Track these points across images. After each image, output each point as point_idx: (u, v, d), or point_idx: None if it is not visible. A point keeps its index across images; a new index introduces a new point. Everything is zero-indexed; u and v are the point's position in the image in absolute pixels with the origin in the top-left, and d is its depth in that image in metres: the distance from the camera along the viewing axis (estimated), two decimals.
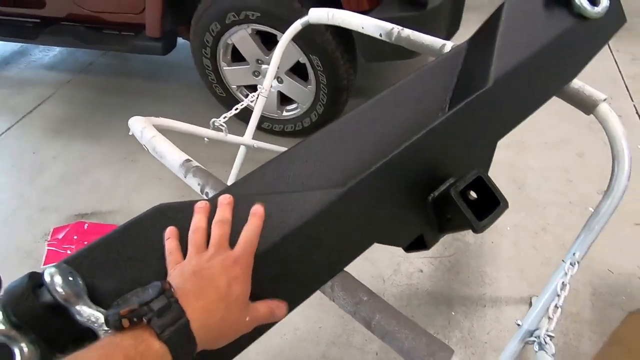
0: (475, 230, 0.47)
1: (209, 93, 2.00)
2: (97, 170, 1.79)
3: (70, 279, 0.33)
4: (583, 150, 1.60)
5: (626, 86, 1.90)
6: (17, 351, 0.30)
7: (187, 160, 0.63)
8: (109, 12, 1.63)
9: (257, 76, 1.60)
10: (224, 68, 1.59)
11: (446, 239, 1.41)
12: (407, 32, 0.85)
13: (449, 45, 0.80)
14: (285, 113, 1.69)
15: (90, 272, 0.36)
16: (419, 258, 1.33)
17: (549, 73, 0.62)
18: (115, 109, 2.11)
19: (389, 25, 0.88)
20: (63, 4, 1.67)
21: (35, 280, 0.33)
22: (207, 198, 0.62)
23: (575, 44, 0.64)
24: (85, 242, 1.47)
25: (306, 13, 1.26)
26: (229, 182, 1.30)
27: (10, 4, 1.77)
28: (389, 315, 0.42)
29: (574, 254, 0.67)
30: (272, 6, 1.28)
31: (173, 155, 0.64)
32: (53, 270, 0.33)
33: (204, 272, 0.36)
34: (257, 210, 0.42)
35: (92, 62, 2.51)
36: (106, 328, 0.33)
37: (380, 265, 1.32)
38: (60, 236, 1.53)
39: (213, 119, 1.08)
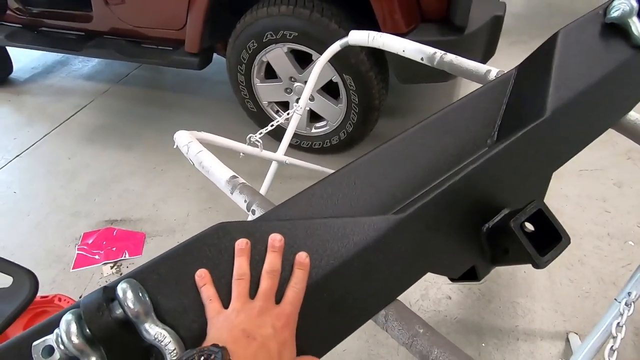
0: (537, 266, 0.46)
1: (237, 107, 2.04)
2: (128, 179, 1.84)
3: (140, 295, 0.33)
4: (621, 180, 1.55)
5: None
6: None
7: (234, 177, 0.64)
8: (150, 27, 1.70)
9: (289, 93, 1.63)
10: (257, 84, 1.63)
11: None
12: (450, 56, 0.86)
13: (494, 71, 0.79)
14: (314, 130, 1.71)
15: (155, 289, 0.36)
16: (447, 284, 1.30)
17: (606, 105, 0.61)
18: (148, 120, 2.18)
19: (431, 50, 0.89)
20: (108, 19, 1.76)
21: (108, 294, 0.33)
22: (253, 217, 0.62)
23: (633, 76, 0.63)
24: (114, 248, 1.50)
25: (342, 34, 1.29)
26: (264, 187, 1.31)
27: (60, 18, 1.88)
28: (448, 350, 0.40)
29: (628, 293, 0.63)
30: (310, 27, 1.31)
31: (219, 171, 0.65)
32: (125, 285, 0.33)
33: (255, 334, 0.34)
34: (303, 261, 0.40)
35: (129, 73, 2.61)
36: (172, 348, 0.33)
37: (408, 290, 1.29)
38: (90, 241, 1.57)
39: (250, 135, 1.10)
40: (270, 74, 1.65)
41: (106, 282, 1.41)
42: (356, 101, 1.45)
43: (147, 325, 0.33)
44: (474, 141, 0.62)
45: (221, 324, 0.35)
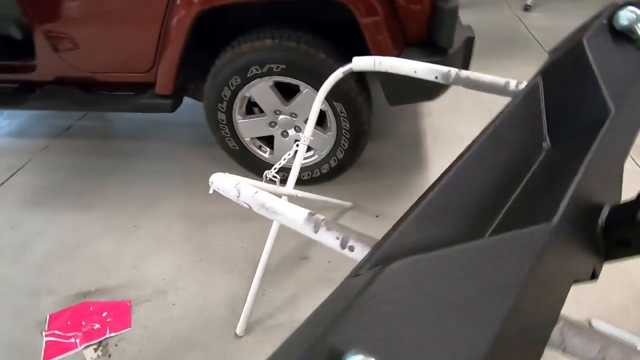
0: None
1: (207, 148, 1.96)
2: (94, 242, 1.60)
3: None
4: None
5: None
6: None
7: (311, 214, 0.58)
8: (111, 72, 1.56)
9: (273, 127, 1.59)
10: (239, 121, 1.56)
11: None
12: (466, 73, 0.90)
13: (512, 82, 0.85)
14: (302, 161, 1.67)
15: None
16: None
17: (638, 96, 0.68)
18: (106, 173, 1.95)
19: (445, 68, 0.93)
20: (57, 67, 1.58)
21: None
22: (352, 254, 0.56)
23: None
24: (95, 326, 1.28)
25: (331, 63, 1.31)
26: (270, 236, 1.22)
27: None
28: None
29: None
30: (298, 58, 1.31)
31: (292, 211, 0.58)
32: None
33: None
34: None
35: (70, 125, 2.35)
36: None
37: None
38: (60, 323, 1.31)
39: (266, 172, 1.03)
40: (249, 109, 1.60)
41: None
42: (347, 127, 1.46)
43: None
44: (531, 147, 0.64)
45: None
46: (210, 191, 0.72)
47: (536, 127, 0.68)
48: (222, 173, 0.74)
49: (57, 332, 1.28)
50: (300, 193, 1.19)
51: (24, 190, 1.90)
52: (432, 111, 2.20)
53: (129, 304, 1.36)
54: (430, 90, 1.34)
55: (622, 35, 0.73)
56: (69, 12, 1.41)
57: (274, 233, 1.21)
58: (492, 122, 0.62)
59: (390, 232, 0.48)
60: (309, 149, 1.64)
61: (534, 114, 0.70)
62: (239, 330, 1.23)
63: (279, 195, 1.18)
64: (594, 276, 0.53)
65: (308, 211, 0.59)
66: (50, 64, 1.57)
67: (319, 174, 1.66)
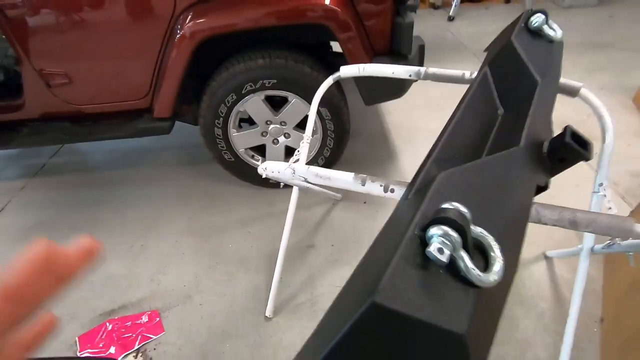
0: (587, 159, 0.75)
1: (195, 167, 2.09)
2: (105, 266, 1.65)
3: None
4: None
5: None
6: None
7: (356, 174, 0.79)
8: (105, 103, 1.66)
9: (264, 136, 1.77)
10: (234, 134, 1.73)
11: None
12: (432, 69, 1.18)
13: (467, 72, 1.15)
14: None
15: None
16: None
17: (553, 72, 0.99)
18: (97, 204, 1.99)
19: (415, 68, 1.20)
20: (48, 103, 1.64)
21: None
22: (392, 194, 0.78)
23: (554, 56, 1.04)
24: (131, 336, 1.35)
25: (315, 75, 1.55)
26: (287, 224, 1.40)
27: None
28: (582, 212, 0.65)
29: (600, 184, 1.00)
30: (287, 73, 1.53)
31: (341, 175, 0.79)
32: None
33: None
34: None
35: (44, 163, 2.33)
36: (494, 243, 0.49)
37: None
38: (91, 342, 1.36)
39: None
40: (241, 122, 1.78)
41: None
42: (332, 128, 1.70)
43: (472, 225, 0.49)
44: (491, 114, 0.92)
45: None
46: (264, 176, 0.90)
47: (492, 100, 0.97)
48: (270, 161, 0.92)
49: (91, 350, 1.33)
50: (310, 185, 1.38)
51: (11, 230, 1.87)
52: (391, 110, 2.52)
53: (157, 312, 1.44)
54: (398, 89, 1.63)
55: (536, 34, 1.05)
56: (65, 48, 1.50)
57: (289, 222, 1.38)
58: (463, 98, 0.89)
59: (419, 171, 0.72)
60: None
61: (488, 92, 0.99)
62: (268, 312, 1.38)
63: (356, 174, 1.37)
64: (546, 187, 0.81)
65: (352, 173, 0.80)
66: (41, 100, 1.63)
67: None
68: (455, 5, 3.84)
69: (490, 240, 0.48)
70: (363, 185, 0.77)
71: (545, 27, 1.04)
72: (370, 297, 0.38)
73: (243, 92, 1.56)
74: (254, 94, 1.58)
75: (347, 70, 1.30)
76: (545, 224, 0.66)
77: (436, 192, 0.55)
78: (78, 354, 1.32)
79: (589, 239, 1.04)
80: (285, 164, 0.87)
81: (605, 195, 0.96)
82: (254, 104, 1.63)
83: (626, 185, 1.78)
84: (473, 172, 0.61)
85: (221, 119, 1.64)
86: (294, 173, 0.84)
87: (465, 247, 0.45)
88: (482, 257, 0.48)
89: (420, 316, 0.38)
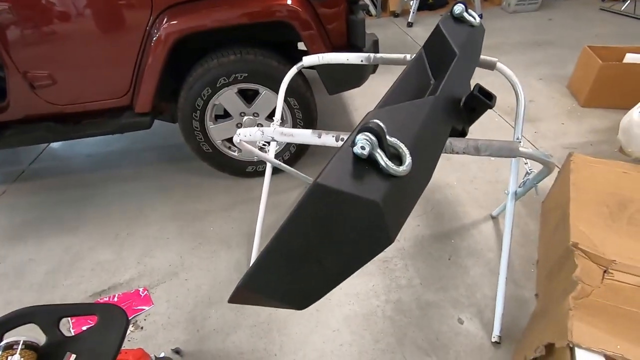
0: (491, 107, 0.96)
1: (174, 164, 2.23)
2: (93, 254, 1.75)
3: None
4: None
5: None
6: None
7: (314, 130, 0.97)
8: (88, 102, 1.78)
9: (239, 127, 1.93)
10: (211, 127, 1.88)
11: (421, 201, 1.89)
12: (380, 55, 1.39)
13: (408, 55, 1.36)
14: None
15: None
16: (413, 219, 1.77)
17: (472, 49, 1.22)
18: (82, 201, 2.07)
19: (365, 54, 1.41)
20: (33, 104, 1.74)
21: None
22: (343, 142, 0.96)
23: (475, 37, 1.27)
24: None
25: (282, 68, 1.74)
26: (263, 200, 1.55)
27: None
28: (483, 140, 0.85)
29: (517, 138, 1.22)
30: (257, 67, 1.71)
31: (302, 132, 0.97)
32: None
33: None
34: None
35: (23, 170, 2.39)
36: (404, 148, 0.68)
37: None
38: (83, 320, 1.45)
39: (257, 142, 1.38)
40: (217, 115, 1.93)
41: (128, 340, 1.36)
42: (300, 117, 1.88)
43: (387, 136, 0.67)
44: (424, 83, 1.13)
45: None
46: (238, 140, 1.06)
47: (425, 72, 1.18)
48: (242, 128, 1.08)
49: (83, 328, 1.42)
50: (279, 163, 1.55)
51: None
52: (357, 107, 2.74)
53: (145, 289, 1.55)
54: (358, 78, 1.84)
55: (459, 20, 1.28)
56: (48, 50, 1.62)
57: (264, 198, 1.54)
58: (401, 73, 1.09)
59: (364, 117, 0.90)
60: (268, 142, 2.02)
61: (422, 67, 1.20)
62: None
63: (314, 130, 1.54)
64: (464, 133, 1.01)
65: (311, 130, 0.98)
66: (25, 101, 1.73)
67: (282, 160, 2.03)
68: (413, 12, 4.17)
69: (402, 146, 0.66)
70: (319, 137, 0.95)
71: (466, 15, 1.27)
72: (315, 180, 0.57)
73: (217, 85, 1.73)
74: (227, 87, 1.75)
75: (309, 60, 1.49)
76: (457, 153, 0.86)
77: (366, 119, 0.74)
78: (71, 330, 1.41)
79: (512, 184, 1.26)
80: (255, 127, 1.03)
81: (520, 142, 1.18)
82: (228, 97, 1.80)
83: (559, 156, 2.05)
84: (396, 110, 0.80)
85: (198, 112, 1.80)
86: (262, 134, 1.01)
87: (382, 148, 0.63)
88: (398, 160, 0.67)
89: (348, 190, 0.57)
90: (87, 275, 1.64)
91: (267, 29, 1.73)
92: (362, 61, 1.42)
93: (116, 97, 1.78)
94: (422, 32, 4.00)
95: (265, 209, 1.57)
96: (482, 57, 1.27)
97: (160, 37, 1.58)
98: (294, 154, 2.02)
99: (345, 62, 1.45)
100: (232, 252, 1.69)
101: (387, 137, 0.60)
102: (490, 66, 1.27)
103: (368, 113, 0.79)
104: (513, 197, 1.23)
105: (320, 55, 1.47)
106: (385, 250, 0.58)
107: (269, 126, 1.80)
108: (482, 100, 0.96)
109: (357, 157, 0.57)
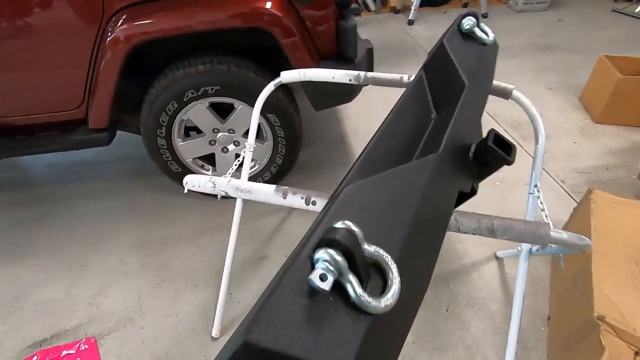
0: (509, 163, 0.74)
1: (144, 179, 2.00)
2: (40, 290, 1.52)
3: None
4: None
5: None
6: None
7: (278, 186, 0.74)
8: (35, 114, 1.54)
9: (213, 145, 1.70)
10: (179, 144, 1.65)
11: None
12: (371, 74, 1.16)
13: (405, 76, 1.13)
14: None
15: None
16: None
17: (484, 75, 0.99)
18: (39, 222, 1.84)
19: (355, 72, 1.18)
20: None
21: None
22: (314, 207, 0.73)
23: (487, 59, 1.04)
24: None
25: (260, 81, 1.50)
26: (232, 236, 1.33)
27: None
28: (500, 219, 0.63)
29: (535, 185, 1.00)
30: (230, 79, 1.47)
31: (263, 187, 0.74)
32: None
33: None
34: None
35: None
36: (389, 257, 0.45)
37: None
38: None
39: (223, 176, 1.15)
40: (185, 132, 1.70)
41: None
42: (282, 134, 1.65)
43: (365, 245, 0.45)
44: (423, 118, 0.90)
45: None
46: (185, 191, 0.84)
47: (426, 103, 0.95)
48: (193, 174, 0.86)
49: None
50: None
51: None
52: (350, 115, 2.50)
53: (93, 339, 1.33)
54: (347, 93, 1.61)
55: (468, 36, 1.04)
56: None
57: (234, 234, 1.32)
58: (396, 104, 0.86)
59: (341, 182, 0.68)
60: None
61: (423, 94, 0.97)
62: (214, 332, 1.31)
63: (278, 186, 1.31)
64: (474, 192, 0.79)
65: (275, 185, 0.75)
66: None
67: (262, 181, 1.80)
68: (414, 9, 3.90)
69: (388, 259, 0.44)
70: (284, 198, 0.73)
71: (477, 30, 1.03)
72: (243, 334, 0.34)
73: (185, 99, 1.49)
74: (196, 101, 1.51)
75: (288, 75, 1.26)
76: (465, 232, 0.64)
77: (337, 208, 0.51)
78: None
79: None
80: (206, 177, 0.81)
81: (538, 197, 0.97)
82: (198, 112, 1.56)
83: (572, 182, 1.84)
84: (381, 184, 0.57)
85: (164, 128, 1.56)
86: (214, 187, 0.79)
87: (356, 270, 0.41)
88: (382, 278, 0.44)
89: (296, 353, 0.34)
90: (28, 318, 1.42)
91: (244, 35, 1.48)
92: (350, 80, 1.19)
93: (68, 109, 1.54)
94: (423, 31, 3.74)
95: (237, 241, 1.35)
96: (495, 82, 1.04)
97: (113, 43, 1.33)
98: (275, 174, 1.80)
99: (331, 80, 1.21)
100: (198, 292, 1.47)
101: (365, 246, 0.41)
102: (505, 95, 1.05)
103: (339, 192, 0.57)
104: (527, 257, 1.01)
105: (302, 70, 1.23)
106: None
107: (244, 147, 1.58)
108: (499, 155, 0.74)
109: (313, 289, 0.36)
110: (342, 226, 0.44)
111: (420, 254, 0.54)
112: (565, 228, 1.45)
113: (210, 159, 1.77)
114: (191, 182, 0.82)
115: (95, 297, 1.48)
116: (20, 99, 1.50)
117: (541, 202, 0.95)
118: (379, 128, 0.81)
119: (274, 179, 1.83)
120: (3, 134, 1.59)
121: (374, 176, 0.60)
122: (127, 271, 1.58)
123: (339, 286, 0.38)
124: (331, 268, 0.39)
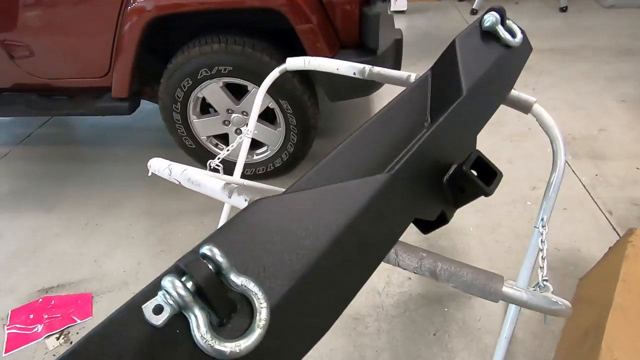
0: (487, 194, 0.62)
1: (167, 151, 2.05)
2: (56, 242, 1.66)
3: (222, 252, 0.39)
4: (510, 157, 1.94)
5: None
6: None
7: (227, 184, 0.70)
8: (67, 78, 1.63)
9: (227, 125, 1.70)
10: (194, 121, 1.67)
11: (423, 245, 1.56)
12: (377, 69, 1.05)
13: (412, 75, 1.01)
14: (255, 157, 1.79)
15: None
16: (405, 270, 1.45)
17: (498, 84, 0.84)
18: (67, 178, 2.00)
19: (360, 65, 1.07)
20: (13, 75, 1.63)
21: (195, 256, 0.38)
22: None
23: (508, 64, 0.88)
24: (58, 316, 1.34)
25: (274, 64, 1.44)
26: (221, 221, 1.33)
27: None
28: (448, 261, 0.52)
29: (542, 219, 0.85)
30: (244, 61, 1.43)
31: (212, 182, 0.70)
32: (208, 246, 0.39)
33: None
34: None
35: (31, 133, 2.38)
36: (257, 290, 0.39)
37: (373, 280, 1.41)
38: (21, 318, 1.36)
39: (210, 161, 1.14)
40: (204, 109, 1.71)
41: (53, 355, 1.25)
42: (294, 123, 1.59)
43: (233, 276, 0.38)
44: (415, 125, 0.79)
45: None
46: (149, 174, 0.83)
47: (422, 109, 0.83)
48: (159, 158, 0.84)
49: (19, 325, 1.34)
50: (245, 182, 1.30)
51: None
52: (377, 108, 2.36)
53: (90, 295, 1.43)
54: (365, 86, 1.50)
55: (491, 34, 0.89)
56: (24, 21, 1.47)
57: (226, 213, 1.31)
58: (385, 106, 0.76)
59: (287, 189, 0.61)
60: (261, 145, 1.76)
61: (421, 99, 0.85)
62: None
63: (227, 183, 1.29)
64: (445, 220, 0.68)
65: (225, 181, 0.71)
66: (7, 71, 1.63)
67: (272, 167, 1.78)
68: None
69: (256, 295, 0.38)
70: (229, 197, 0.68)
71: (500, 29, 0.88)
72: None
73: (199, 77, 1.49)
74: (210, 80, 1.50)
75: (293, 63, 1.18)
76: (405, 269, 0.55)
77: (226, 226, 0.45)
78: (6, 328, 1.33)
79: (522, 278, 0.90)
80: (165, 163, 0.79)
81: (541, 234, 0.82)
82: (213, 91, 1.55)
83: (622, 214, 1.57)
84: (303, 203, 0.50)
85: (179, 103, 1.58)
86: (170, 174, 0.76)
87: (210, 305, 0.36)
88: (245, 317, 0.38)
89: None
90: (43, 266, 1.56)
91: (265, 17, 1.43)
92: (354, 74, 1.09)
93: (96, 76, 1.61)
94: None
95: None
96: (514, 93, 0.89)
97: (132, 14, 1.35)
98: (287, 162, 1.75)
99: (335, 71, 1.12)
100: None
101: (232, 277, 0.37)
102: (525, 108, 0.89)
103: (248, 206, 0.51)
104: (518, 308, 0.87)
105: (307, 58, 1.15)
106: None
107: (261, 128, 1.55)
108: (475, 183, 0.62)
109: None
110: (205, 252, 0.38)
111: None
112: (593, 270, 1.25)
113: (225, 139, 1.77)
114: (154, 165, 0.80)
115: (101, 256, 1.58)
116: (57, 62, 1.60)
117: (542, 241, 0.80)
118: (354, 131, 0.72)
119: (286, 167, 1.79)
120: (44, 94, 1.71)
121: (298, 192, 0.53)
122: (133, 236, 1.66)
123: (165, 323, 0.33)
124: (169, 301, 0.34)
